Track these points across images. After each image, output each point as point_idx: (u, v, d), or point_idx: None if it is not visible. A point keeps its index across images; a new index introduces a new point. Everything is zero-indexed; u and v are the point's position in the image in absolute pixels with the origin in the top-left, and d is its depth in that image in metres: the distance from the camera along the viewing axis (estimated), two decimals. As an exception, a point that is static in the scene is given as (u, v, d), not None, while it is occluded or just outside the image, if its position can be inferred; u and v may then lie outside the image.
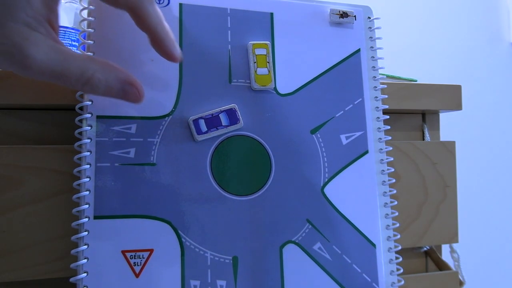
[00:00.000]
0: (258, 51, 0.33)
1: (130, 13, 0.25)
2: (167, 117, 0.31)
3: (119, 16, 0.31)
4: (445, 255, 0.44)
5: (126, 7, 0.25)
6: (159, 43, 0.27)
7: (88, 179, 0.29)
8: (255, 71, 0.33)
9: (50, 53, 0.22)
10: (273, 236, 0.32)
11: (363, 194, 0.35)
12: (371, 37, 0.37)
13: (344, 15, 0.36)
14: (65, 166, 0.31)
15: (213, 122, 0.32)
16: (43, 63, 0.22)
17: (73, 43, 0.45)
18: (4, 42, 0.21)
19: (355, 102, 0.36)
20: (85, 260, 0.28)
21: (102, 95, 0.25)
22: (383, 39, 0.38)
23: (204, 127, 0.31)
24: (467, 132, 1.30)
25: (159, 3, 0.32)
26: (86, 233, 0.28)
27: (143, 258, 0.29)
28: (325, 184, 0.34)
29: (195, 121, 0.31)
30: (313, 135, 0.34)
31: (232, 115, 0.32)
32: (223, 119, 0.32)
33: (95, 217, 0.29)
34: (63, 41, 0.45)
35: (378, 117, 0.36)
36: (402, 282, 0.35)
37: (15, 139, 0.32)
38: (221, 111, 0.32)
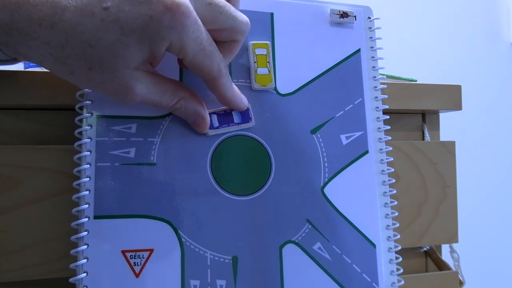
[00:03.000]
0: (258, 51, 0.34)
1: (206, 83, 0.30)
2: (167, 117, 0.31)
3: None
4: (445, 255, 0.44)
5: (204, 78, 0.29)
6: (228, 104, 0.31)
7: (88, 179, 0.29)
8: (255, 71, 0.33)
9: (149, 87, 0.27)
10: (273, 236, 0.32)
11: (363, 194, 0.35)
12: (371, 37, 0.37)
13: (344, 15, 0.36)
14: (65, 166, 0.31)
15: (225, 118, 0.32)
16: (144, 95, 0.27)
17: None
18: (119, 83, 0.25)
19: (355, 102, 0.36)
20: (85, 260, 0.28)
21: (178, 115, 0.30)
22: (383, 39, 0.38)
23: (216, 122, 0.32)
24: (467, 132, 1.30)
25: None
26: (86, 233, 0.28)
27: (143, 258, 0.29)
28: (325, 184, 0.34)
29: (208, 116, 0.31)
30: (313, 135, 0.34)
31: (244, 113, 0.32)
32: (236, 117, 0.32)
33: (95, 217, 0.29)
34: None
35: (378, 117, 0.36)
36: (402, 282, 0.35)
37: (15, 139, 0.32)
38: None
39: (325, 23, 0.36)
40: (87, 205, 0.29)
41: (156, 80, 0.27)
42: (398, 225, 0.35)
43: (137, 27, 0.24)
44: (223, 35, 0.29)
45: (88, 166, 0.29)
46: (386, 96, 0.37)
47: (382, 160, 0.36)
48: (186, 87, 0.30)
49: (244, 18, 0.29)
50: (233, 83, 0.31)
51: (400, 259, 0.35)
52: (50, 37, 0.24)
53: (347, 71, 0.36)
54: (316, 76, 0.35)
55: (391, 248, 0.35)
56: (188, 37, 0.25)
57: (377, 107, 0.36)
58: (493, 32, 1.36)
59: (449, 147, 0.42)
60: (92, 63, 0.24)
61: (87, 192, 0.29)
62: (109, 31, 0.24)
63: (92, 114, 0.29)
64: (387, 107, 0.36)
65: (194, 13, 0.25)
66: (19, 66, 0.52)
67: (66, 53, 0.24)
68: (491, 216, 1.32)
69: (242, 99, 0.32)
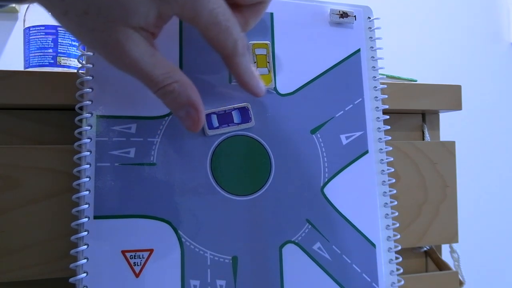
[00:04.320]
0: (258, 51, 0.33)
1: (223, 59, 0.28)
2: (167, 117, 0.31)
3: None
4: (445, 255, 0.44)
5: (219, 54, 0.27)
6: (244, 86, 0.29)
7: (88, 179, 0.29)
8: (255, 71, 0.33)
9: (144, 54, 0.24)
10: (272, 236, 0.32)
11: (363, 194, 0.35)
12: (371, 37, 0.37)
13: (344, 15, 0.36)
14: (65, 166, 0.31)
15: (225, 118, 0.32)
16: (135, 60, 0.24)
17: (73, 43, 0.45)
18: (110, 35, 0.23)
19: (355, 102, 0.36)
20: (85, 260, 0.28)
21: (167, 104, 0.26)
22: (383, 39, 0.38)
23: (216, 123, 0.32)
24: (467, 132, 1.30)
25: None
26: (86, 233, 0.28)
27: (143, 258, 0.29)
28: (325, 184, 0.34)
29: (208, 116, 0.31)
30: (313, 135, 0.34)
31: (244, 113, 0.32)
32: (235, 117, 0.32)
33: (95, 217, 0.29)
34: (63, 41, 0.45)
35: (378, 117, 0.36)
36: (402, 282, 0.35)
37: (15, 139, 0.32)
38: (234, 108, 0.32)
39: (325, 23, 0.36)
40: (87, 205, 0.29)
41: (152, 51, 0.25)
42: (398, 225, 0.35)
43: None
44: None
45: (88, 166, 0.29)
46: (386, 96, 0.37)
47: (382, 160, 0.36)
48: (184, 75, 0.27)
49: None
50: (253, 65, 0.29)
51: (400, 259, 0.35)
52: None
53: (347, 71, 0.36)
54: (316, 76, 0.35)
55: (391, 248, 0.35)
56: (203, 7, 0.24)
57: (377, 107, 0.36)
58: (493, 32, 1.36)
59: (449, 147, 0.42)
60: (90, 6, 0.22)
61: (87, 192, 0.29)
62: None
63: (92, 114, 0.29)
64: (387, 107, 0.36)
65: None
66: (19, 66, 0.52)
67: None
68: (491, 216, 1.32)
69: (259, 84, 0.30)
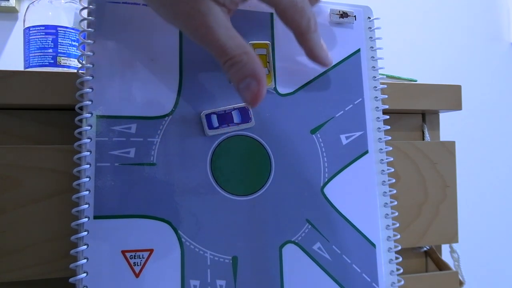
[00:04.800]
0: (258, 51, 0.33)
1: (296, 36, 0.30)
2: (167, 117, 0.31)
3: (119, 15, 0.31)
4: (445, 255, 0.44)
5: (292, 31, 0.30)
6: (315, 58, 0.32)
7: (88, 179, 0.29)
8: (255, 71, 0.33)
9: (222, 26, 0.26)
10: (272, 236, 0.32)
11: (363, 194, 0.35)
12: (371, 37, 0.37)
13: (344, 15, 0.36)
14: (65, 166, 0.31)
15: (225, 118, 0.32)
16: (213, 31, 0.25)
17: (73, 43, 0.45)
18: (193, 7, 0.25)
19: (355, 102, 0.36)
20: (85, 260, 0.28)
21: (231, 75, 0.27)
22: (383, 39, 0.38)
23: (216, 123, 0.32)
24: (467, 132, 1.30)
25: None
26: (86, 233, 0.28)
27: (143, 258, 0.29)
28: (325, 184, 0.34)
29: (208, 116, 0.31)
30: (313, 135, 0.34)
31: (244, 113, 0.32)
32: (235, 117, 0.32)
33: (95, 217, 0.29)
34: (63, 41, 0.45)
35: (378, 117, 0.36)
36: (402, 282, 0.35)
37: (15, 139, 0.32)
38: (234, 109, 0.32)
39: (325, 23, 0.36)
40: (87, 205, 0.29)
41: (229, 25, 0.27)
42: (398, 225, 0.35)
43: None
44: None
45: (88, 166, 0.29)
46: (386, 96, 0.37)
47: (382, 160, 0.36)
48: (252, 50, 0.28)
49: None
50: (321, 39, 0.32)
51: (400, 259, 0.35)
52: None
53: (347, 71, 0.36)
54: (316, 76, 0.35)
55: (391, 248, 0.35)
56: None
57: (377, 107, 0.36)
58: (493, 32, 1.36)
59: (449, 147, 0.42)
60: None
61: (87, 192, 0.29)
62: None
63: (92, 114, 0.29)
64: (387, 107, 0.36)
65: None
66: (19, 66, 0.52)
67: None
68: (491, 216, 1.32)
69: (328, 56, 0.33)
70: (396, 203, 0.36)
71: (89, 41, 0.30)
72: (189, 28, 0.26)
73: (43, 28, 0.44)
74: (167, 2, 0.26)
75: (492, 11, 1.37)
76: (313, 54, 0.32)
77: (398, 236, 0.35)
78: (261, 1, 0.27)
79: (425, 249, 0.43)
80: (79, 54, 0.31)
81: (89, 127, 0.29)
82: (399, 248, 0.35)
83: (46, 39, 0.44)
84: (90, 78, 0.30)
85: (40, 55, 0.44)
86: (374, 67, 0.37)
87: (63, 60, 0.45)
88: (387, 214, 0.35)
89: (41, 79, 0.31)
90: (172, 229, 0.30)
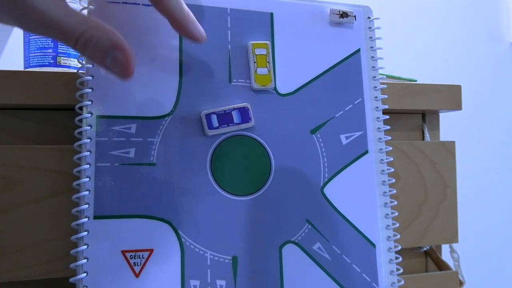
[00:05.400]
0: (258, 51, 0.33)
1: (155, 6, 0.26)
2: (167, 117, 0.31)
3: (119, 15, 0.31)
4: (445, 255, 0.44)
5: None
6: (179, 26, 0.27)
7: (87, 179, 0.29)
8: (255, 71, 0.33)
9: (52, 5, 0.23)
10: (272, 236, 0.32)
11: (363, 194, 0.35)
12: (371, 37, 0.37)
13: (344, 15, 0.36)
14: (65, 166, 0.31)
15: (225, 118, 0.32)
16: (43, 12, 0.22)
17: (73, 43, 0.45)
18: None
19: (355, 102, 0.36)
20: (85, 260, 0.28)
21: (90, 56, 0.24)
22: (383, 39, 0.38)
23: (216, 123, 0.32)
24: (467, 132, 1.30)
25: (159, 3, 0.32)
26: (86, 233, 0.28)
27: (143, 258, 0.29)
28: (325, 184, 0.34)
29: (208, 116, 0.31)
30: (313, 135, 0.34)
31: (244, 113, 0.32)
32: (235, 117, 0.32)
33: (95, 217, 0.29)
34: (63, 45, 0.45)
35: (378, 117, 0.36)
36: (402, 282, 0.35)
37: (15, 139, 0.32)
38: (234, 109, 0.32)
39: (325, 23, 0.36)
40: (87, 205, 0.29)
41: (61, 3, 0.23)
42: (398, 225, 0.35)
43: None
44: None
45: (88, 166, 0.29)
46: (386, 96, 0.37)
47: (382, 160, 0.36)
48: (96, 20, 0.24)
49: None
50: (186, 7, 0.28)
51: (400, 259, 0.35)
52: None
53: (347, 71, 0.36)
54: (316, 76, 0.35)
55: (391, 248, 0.35)
56: None
57: (377, 107, 0.36)
58: (493, 32, 1.36)
59: (449, 147, 0.42)
60: None
61: (87, 192, 0.29)
62: None
63: (92, 114, 0.29)
64: (387, 107, 0.36)
65: None
66: (19, 66, 0.52)
67: None
68: (491, 216, 1.32)
69: (196, 25, 0.28)
70: (396, 203, 0.36)
71: (89, 41, 0.30)
72: (16, 16, 0.23)
73: (43, 28, 0.44)
74: None
75: (492, 11, 1.37)
76: (175, 22, 0.27)
77: (398, 236, 0.35)
78: None
79: (425, 249, 0.43)
80: (79, 54, 0.31)
81: (89, 127, 0.29)
82: (399, 248, 0.35)
83: (46, 39, 0.44)
84: (90, 78, 0.30)
85: (40, 55, 0.44)
86: (374, 67, 0.37)
87: (63, 60, 0.45)
88: (387, 214, 0.35)
89: (41, 79, 0.31)
90: (172, 229, 0.30)
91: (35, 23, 0.23)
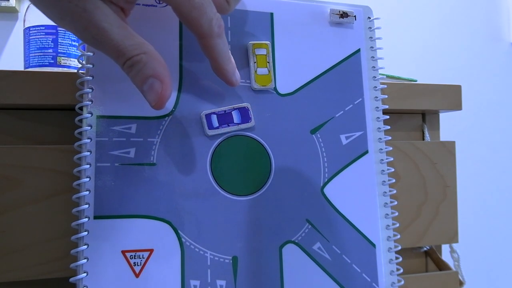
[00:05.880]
0: (258, 51, 0.34)
1: (198, 41, 0.27)
2: (167, 117, 0.31)
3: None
4: (445, 255, 0.44)
5: (195, 35, 0.27)
6: (218, 71, 0.29)
7: (88, 179, 0.29)
8: (255, 71, 0.33)
9: (113, 25, 0.23)
10: (272, 236, 0.32)
11: (363, 194, 0.35)
12: (371, 37, 0.37)
13: (344, 15, 0.36)
14: (65, 166, 0.31)
15: (225, 118, 0.32)
16: (104, 30, 0.23)
17: (73, 43, 0.45)
18: (77, 4, 0.22)
19: (355, 102, 0.36)
20: (85, 260, 0.28)
21: (132, 77, 0.25)
22: (383, 39, 0.38)
23: (216, 123, 0.32)
24: (467, 132, 1.30)
25: (159, 4, 0.32)
26: (86, 233, 0.28)
27: (143, 258, 0.29)
28: (325, 184, 0.34)
29: (208, 116, 0.31)
30: (313, 135, 0.34)
31: (244, 114, 0.32)
32: (235, 117, 0.32)
33: (95, 217, 0.29)
34: (63, 41, 0.45)
35: (378, 117, 0.36)
36: (402, 282, 0.35)
37: (15, 139, 0.32)
38: (234, 109, 0.32)
39: (325, 23, 0.36)
40: (87, 205, 0.29)
41: (123, 24, 0.24)
42: (398, 225, 0.35)
43: None
44: None
45: (88, 166, 0.29)
46: (386, 96, 0.37)
47: (382, 160, 0.36)
48: (151, 47, 0.26)
49: None
50: (230, 53, 0.29)
51: (400, 259, 0.35)
52: None
53: (347, 71, 0.36)
54: (316, 76, 0.35)
55: (391, 248, 0.35)
56: None
57: (377, 107, 0.36)
58: (493, 32, 1.36)
59: (449, 147, 0.42)
60: None
61: (87, 192, 0.29)
62: None
63: (92, 114, 0.29)
64: (387, 107, 0.36)
65: None
66: (19, 66, 0.52)
67: None
68: (491, 216, 1.32)
69: (235, 74, 0.29)
70: (396, 203, 0.36)
71: (89, 41, 0.30)
72: (78, 29, 0.24)
73: (43, 28, 0.44)
74: (51, 1, 0.23)
75: (492, 11, 1.37)
76: (217, 66, 0.28)
77: (398, 236, 0.35)
78: None
79: (425, 249, 0.43)
80: (79, 54, 0.31)
81: (89, 127, 0.29)
82: (399, 248, 0.35)
83: (46, 39, 0.44)
84: (90, 78, 0.30)
85: (40, 55, 0.44)
86: (374, 67, 0.37)
87: (63, 60, 0.45)
88: (387, 214, 0.35)
89: (41, 79, 0.32)
90: (172, 229, 0.30)
91: (94, 39, 0.24)
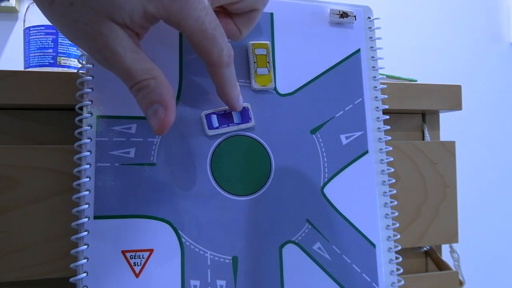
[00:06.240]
0: (258, 51, 0.33)
1: (207, 67, 0.28)
2: (167, 117, 0.31)
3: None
4: (445, 255, 0.44)
5: (204, 62, 0.27)
6: (224, 96, 0.30)
7: (88, 179, 0.29)
8: (255, 71, 0.33)
9: (127, 49, 0.24)
10: (272, 236, 0.32)
11: (363, 194, 0.35)
12: (371, 37, 0.37)
13: (344, 15, 0.36)
14: (65, 166, 0.31)
15: (225, 118, 0.32)
16: (118, 54, 0.24)
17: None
18: (93, 27, 0.23)
19: (355, 102, 0.36)
20: (85, 260, 0.28)
21: (139, 100, 0.26)
22: (383, 39, 0.38)
23: (216, 123, 0.32)
24: (467, 132, 1.30)
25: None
26: (86, 233, 0.28)
27: (143, 258, 0.29)
28: (325, 184, 0.34)
29: (208, 116, 0.31)
30: (313, 135, 0.34)
31: (244, 114, 0.32)
32: (235, 117, 0.32)
33: (95, 217, 0.29)
34: (63, 41, 0.45)
35: (378, 117, 0.36)
36: (402, 282, 0.35)
37: (15, 139, 0.32)
38: None
39: (325, 23, 0.36)
40: (87, 205, 0.29)
41: (136, 48, 0.25)
42: (398, 225, 0.35)
43: None
44: (242, 6, 0.28)
45: (88, 166, 0.29)
46: (386, 96, 0.37)
47: (382, 160, 0.36)
48: (161, 73, 0.26)
49: None
50: (236, 80, 0.30)
51: (400, 259, 0.35)
52: None
53: (347, 71, 0.36)
54: (316, 76, 0.35)
55: (391, 248, 0.35)
56: (189, 14, 0.24)
57: (377, 107, 0.36)
58: (493, 32, 1.36)
59: (449, 147, 0.42)
60: None
61: (87, 192, 0.29)
62: None
63: (92, 114, 0.29)
64: (387, 107, 0.36)
65: None
66: (19, 66, 0.52)
67: None
68: (491, 216, 1.32)
69: (239, 98, 0.31)
70: (396, 203, 0.36)
71: (89, 41, 0.30)
72: (92, 50, 0.24)
73: (43, 28, 0.44)
74: (67, 20, 0.24)
75: (492, 11, 1.37)
76: (223, 92, 0.29)
77: (398, 236, 0.35)
78: (168, 24, 0.25)
79: (425, 249, 0.43)
80: (79, 54, 0.31)
81: (89, 127, 0.29)
82: (399, 248, 0.35)
83: (46, 39, 0.44)
84: (90, 78, 0.30)
85: (40, 55, 0.44)
86: (374, 67, 0.37)
87: (63, 60, 0.45)
88: (387, 214, 0.35)
89: (41, 79, 0.32)
90: (172, 229, 0.30)
91: (107, 60, 0.24)
